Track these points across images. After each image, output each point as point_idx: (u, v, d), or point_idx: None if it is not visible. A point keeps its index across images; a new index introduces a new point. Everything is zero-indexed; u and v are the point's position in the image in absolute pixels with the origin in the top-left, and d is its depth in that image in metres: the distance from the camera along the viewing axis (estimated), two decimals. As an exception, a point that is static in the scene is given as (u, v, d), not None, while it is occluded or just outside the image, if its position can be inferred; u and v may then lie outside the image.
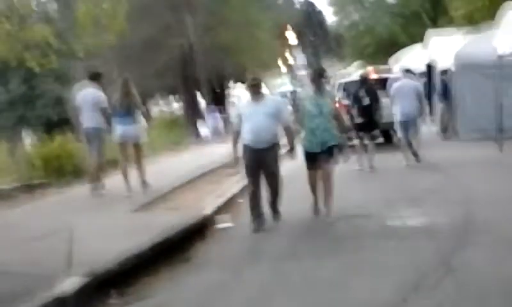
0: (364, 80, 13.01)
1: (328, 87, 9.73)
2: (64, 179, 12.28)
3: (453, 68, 18.26)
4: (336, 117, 8.29)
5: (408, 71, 13.89)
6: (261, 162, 7.67)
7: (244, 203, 8.80)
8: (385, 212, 8.10)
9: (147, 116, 19.67)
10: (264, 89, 8.56)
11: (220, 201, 9.38)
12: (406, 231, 7.02)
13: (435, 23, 37.15)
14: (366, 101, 12.48)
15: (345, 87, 16.17)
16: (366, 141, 12.62)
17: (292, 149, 7.99)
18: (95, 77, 10.60)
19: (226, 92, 36.46)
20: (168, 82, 29.89)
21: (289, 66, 55.59)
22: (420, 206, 8.33)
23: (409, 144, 12.77)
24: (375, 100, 12.57)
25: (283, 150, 8.21)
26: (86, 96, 10.32)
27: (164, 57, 27.42)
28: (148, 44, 27.61)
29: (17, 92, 29.23)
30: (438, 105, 19.36)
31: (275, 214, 8.13)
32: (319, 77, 8.29)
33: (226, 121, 25.17)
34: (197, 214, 8.07)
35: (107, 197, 10.04)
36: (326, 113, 8.06)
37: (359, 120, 12.48)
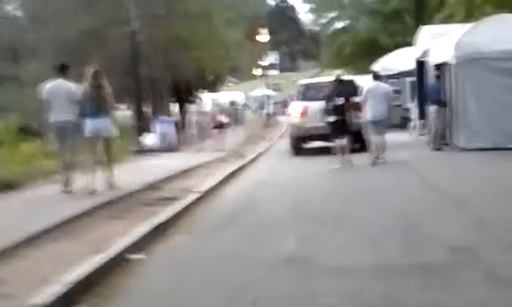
0: (339, 81, 13.47)
1: None
2: None
3: (453, 61, 14.61)
4: None
5: (376, 75, 14.34)
6: None
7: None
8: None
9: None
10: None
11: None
12: None
13: (417, 21, 34.08)
14: (339, 101, 12.95)
15: (307, 89, 17.07)
16: (342, 141, 12.90)
17: None
18: (62, 69, 10.02)
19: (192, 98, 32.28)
20: (117, 82, 25.75)
21: (263, 68, 52.01)
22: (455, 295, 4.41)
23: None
24: (348, 100, 13.07)
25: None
26: (57, 88, 9.80)
27: (108, 51, 23.42)
28: (89, 36, 23.70)
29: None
30: (431, 108, 15.66)
31: None
32: None
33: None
34: None
35: None
36: None
37: (332, 119, 13.01)
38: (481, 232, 6.25)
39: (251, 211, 8.25)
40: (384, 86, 13.95)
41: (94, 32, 23.11)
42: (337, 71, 14.31)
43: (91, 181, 9.70)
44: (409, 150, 15.54)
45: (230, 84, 60.98)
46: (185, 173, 12.61)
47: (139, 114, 20.86)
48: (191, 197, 9.09)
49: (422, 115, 18.08)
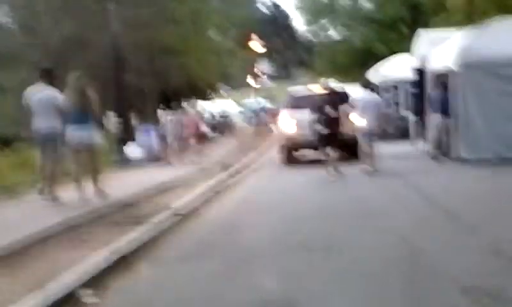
0: (330, 91, 13.39)
1: None
2: None
3: (454, 68, 13.66)
4: None
5: (367, 86, 14.34)
6: None
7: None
8: None
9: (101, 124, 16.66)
10: None
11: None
12: None
13: (413, 30, 33.32)
14: (330, 111, 12.83)
15: (297, 98, 16.70)
16: (331, 152, 12.86)
17: None
18: (46, 74, 9.63)
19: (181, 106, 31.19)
20: (102, 90, 24.70)
21: (254, 76, 51.12)
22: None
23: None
24: (339, 111, 12.99)
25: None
26: (40, 95, 9.43)
27: (93, 57, 22.46)
28: (73, 42, 22.77)
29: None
30: (434, 117, 14.68)
31: None
32: None
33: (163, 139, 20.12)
34: None
35: None
36: None
37: (324, 131, 12.84)
38: (500, 264, 5.22)
39: (230, 236, 7.20)
40: (374, 96, 13.94)
41: (78, 38, 22.16)
42: (328, 80, 14.43)
43: (79, 191, 9.48)
44: (408, 161, 14.74)
45: (223, 92, 59.95)
46: (162, 188, 11.57)
47: (123, 123, 19.78)
48: (163, 218, 8.05)
49: (423, 125, 17.12)
